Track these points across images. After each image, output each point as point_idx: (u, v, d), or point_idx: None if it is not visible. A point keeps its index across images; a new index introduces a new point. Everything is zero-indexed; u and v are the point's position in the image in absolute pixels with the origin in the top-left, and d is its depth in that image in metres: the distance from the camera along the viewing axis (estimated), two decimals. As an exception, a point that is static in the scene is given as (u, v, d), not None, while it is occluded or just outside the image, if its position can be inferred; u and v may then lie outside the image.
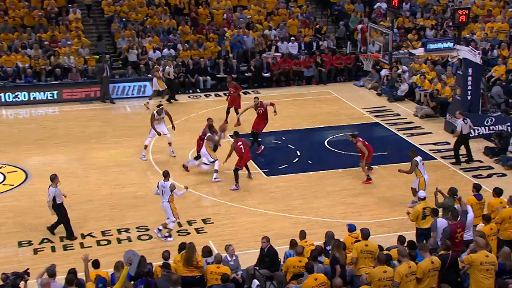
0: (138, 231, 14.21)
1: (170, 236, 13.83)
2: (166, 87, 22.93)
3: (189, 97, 24.20)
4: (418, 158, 14.79)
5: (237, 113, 20.36)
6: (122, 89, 23.79)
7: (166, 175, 13.89)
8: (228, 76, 22.31)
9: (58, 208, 13.72)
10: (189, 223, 14.42)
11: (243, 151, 16.24)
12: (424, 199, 12.71)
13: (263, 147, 18.35)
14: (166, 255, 11.20)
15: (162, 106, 18.40)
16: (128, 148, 19.03)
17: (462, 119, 17.22)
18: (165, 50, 25.22)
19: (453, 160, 17.76)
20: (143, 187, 16.43)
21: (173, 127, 18.39)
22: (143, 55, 25.07)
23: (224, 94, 24.27)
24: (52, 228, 14.01)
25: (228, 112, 20.49)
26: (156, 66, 23.32)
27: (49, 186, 13.66)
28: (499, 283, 9.98)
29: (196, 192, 16.01)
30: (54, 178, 13.72)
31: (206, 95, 24.22)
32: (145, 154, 18.07)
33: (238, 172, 16.25)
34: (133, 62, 24.84)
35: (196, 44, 25.88)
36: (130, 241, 13.83)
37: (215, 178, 16.55)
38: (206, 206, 15.53)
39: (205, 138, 16.90)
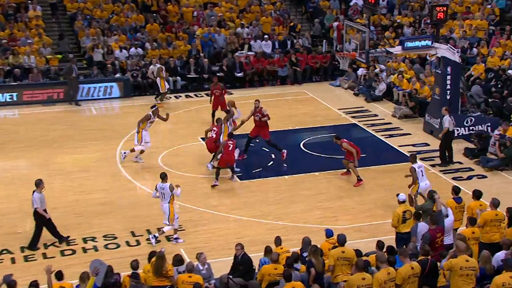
0: (105, 239, 14.06)
1: (178, 238, 14.01)
2: (167, 90, 22.94)
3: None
4: (416, 165, 14.71)
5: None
6: (87, 90, 23.53)
7: (163, 177, 13.99)
8: (214, 77, 22.15)
9: (38, 216, 13.52)
10: (159, 230, 14.31)
11: (228, 150, 16.29)
12: (403, 202, 12.79)
13: (246, 156, 18.22)
14: (134, 265, 11.09)
15: (157, 107, 18.50)
16: (94, 152, 18.83)
17: (449, 115, 17.32)
18: (132, 49, 25.06)
19: (433, 162, 17.93)
20: (110, 193, 16.27)
21: (167, 115, 18.55)
22: (109, 54, 24.87)
23: (196, 95, 24.22)
24: (59, 238, 13.73)
25: (214, 116, 20.40)
26: (160, 66, 23.19)
27: (33, 192, 13.45)
28: None
29: (166, 198, 15.91)
30: (39, 184, 13.55)
31: (176, 96, 24.09)
32: (139, 157, 17.89)
33: (220, 170, 16.45)
34: (98, 62, 24.62)
35: (165, 43, 25.75)
36: (96, 250, 13.67)
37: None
38: (177, 212, 15.41)
39: (224, 118, 17.42)
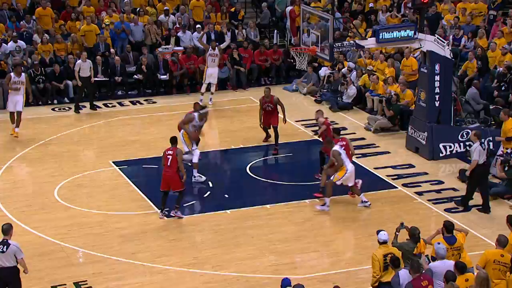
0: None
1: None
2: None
3: (53, 109, 23.88)
4: (337, 146, 17.01)
5: None
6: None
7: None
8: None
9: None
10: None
11: (167, 164, 16.57)
12: (385, 242, 12.89)
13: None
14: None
15: (207, 110, 19.68)
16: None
17: (479, 142, 16.99)
18: (11, 44, 24.58)
19: (421, 189, 18.30)
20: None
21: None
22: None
23: (105, 105, 24.09)
24: None
25: None
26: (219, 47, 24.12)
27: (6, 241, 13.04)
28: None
29: (65, 243, 15.75)
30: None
31: (77, 107, 23.90)
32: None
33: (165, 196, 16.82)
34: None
35: (60, 35, 25.58)
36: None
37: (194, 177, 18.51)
38: (80, 263, 15.31)
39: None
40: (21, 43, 24.93)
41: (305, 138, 21.59)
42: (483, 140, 17.26)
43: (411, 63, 23.23)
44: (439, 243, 12.54)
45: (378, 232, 13.01)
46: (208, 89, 23.87)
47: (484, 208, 17.23)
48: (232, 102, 24.60)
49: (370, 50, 24.28)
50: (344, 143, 17.70)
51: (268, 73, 26.53)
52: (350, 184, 17.20)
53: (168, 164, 16.52)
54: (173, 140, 16.90)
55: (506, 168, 17.98)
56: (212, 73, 23.71)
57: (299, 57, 21.05)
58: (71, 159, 20.09)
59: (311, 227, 16.61)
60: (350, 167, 16.97)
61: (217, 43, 26.27)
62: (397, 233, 13.21)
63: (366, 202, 17.26)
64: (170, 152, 16.59)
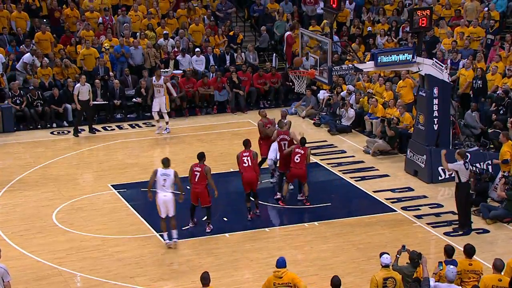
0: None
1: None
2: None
3: (52, 133, 23.88)
4: (161, 171, 16.18)
5: None
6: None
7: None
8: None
9: None
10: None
11: (195, 180, 16.86)
12: (387, 266, 12.81)
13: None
14: None
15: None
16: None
17: (463, 161, 17.11)
18: (28, 55, 24.62)
19: (420, 212, 18.25)
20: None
21: None
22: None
23: (104, 128, 24.10)
24: None
25: None
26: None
27: None
28: None
29: (62, 267, 15.67)
30: None
31: (77, 130, 23.91)
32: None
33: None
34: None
35: (59, 59, 25.63)
36: None
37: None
38: (78, 287, 15.25)
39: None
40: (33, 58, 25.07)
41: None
42: (467, 160, 17.32)
43: (406, 84, 23.22)
44: (452, 266, 12.47)
45: (381, 254, 12.94)
46: (161, 116, 23.74)
47: (463, 226, 17.37)
48: (231, 125, 24.62)
49: (368, 73, 24.34)
50: (303, 152, 18.06)
51: (267, 96, 26.58)
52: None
53: (196, 180, 16.79)
54: (200, 156, 17.02)
55: (507, 188, 17.95)
56: (158, 103, 23.37)
57: (297, 80, 21.07)
58: (69, 182, 20.06)
59: (310, 250, 16.56)
60: (162, 195, 16.18)
61: (216, 67, 26.47)
62: (398, 255, 13.16)
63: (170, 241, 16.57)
64: (197, 168, 16.81)
